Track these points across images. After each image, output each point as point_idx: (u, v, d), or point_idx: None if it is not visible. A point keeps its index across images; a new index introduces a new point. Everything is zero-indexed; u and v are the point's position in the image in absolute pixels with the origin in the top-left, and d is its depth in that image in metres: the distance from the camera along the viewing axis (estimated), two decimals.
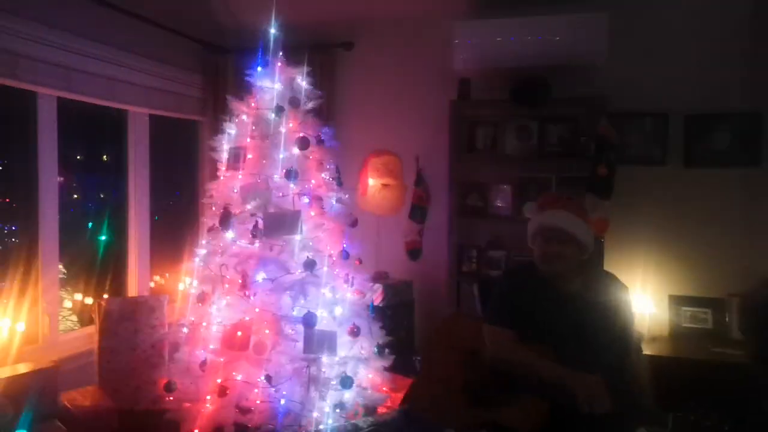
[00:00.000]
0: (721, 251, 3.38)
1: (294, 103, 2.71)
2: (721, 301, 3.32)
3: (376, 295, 3.34)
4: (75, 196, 3.67)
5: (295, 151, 2.64)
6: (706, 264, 3.41)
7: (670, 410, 1.84)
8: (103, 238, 3.64)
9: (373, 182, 3.72)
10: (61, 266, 3.49)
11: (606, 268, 2.97)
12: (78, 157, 3.61)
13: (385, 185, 3.66)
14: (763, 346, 1.36)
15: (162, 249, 3.68)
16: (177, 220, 4.00)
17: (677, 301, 3.41)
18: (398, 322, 3.48)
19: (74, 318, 3.55)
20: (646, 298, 3.37)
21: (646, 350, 2.94)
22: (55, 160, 2.91)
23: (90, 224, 3.75)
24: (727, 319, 3.30)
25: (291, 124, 2.69)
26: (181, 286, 3.24)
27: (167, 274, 3.75)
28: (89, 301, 3.27)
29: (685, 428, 1.73)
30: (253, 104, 2.73)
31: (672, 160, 3.49)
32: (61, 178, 3.08)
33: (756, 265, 3.25)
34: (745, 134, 3.36)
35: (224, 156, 2.72)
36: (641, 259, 3.42)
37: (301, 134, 2.64)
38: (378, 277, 3.59)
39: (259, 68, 2.74)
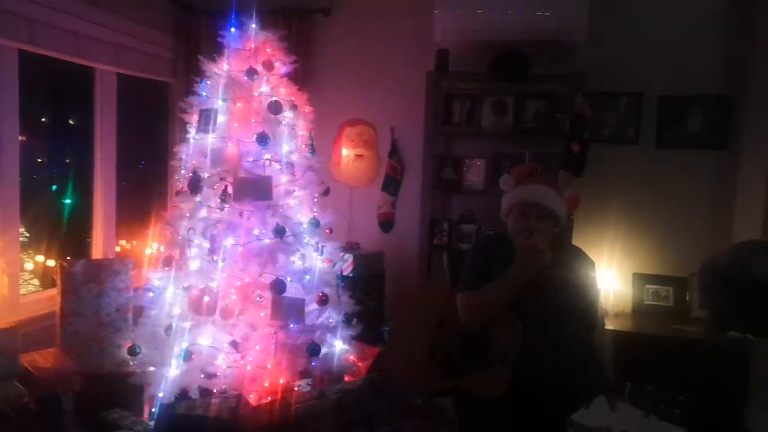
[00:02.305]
0: (687, 232, 3.45)
1: (267, 66, 2.65)
2: (683, 280, 3.40)
3: (346, 265, 3.33)
4: (39, 160, 3.56)
5: (268, 115, 2.58)
6: (671, 244, 3.48)
7: (629, 381, 1.88)
8: (68, 201, 3.55)
9: (346, 152, 3.69)
10: (22, 229, 3.40)
11: (574, 243, 3.00)
12: (42, 119, 3.50)
13: (359, 155, 3.65)
14: (721, 313, 1.39)
15: (129, 215, 3.60)
16: (145, 185, 3.92)
17: (641, 278, 3.48)
18: (368, 293, 3.49)
19: (36, 282, 3.48)
20: (611, 275, 3.44)
21: (609, 325, 3.00)
22: (16, 116, 2.80)
23: (54, 187, 3.65)
24: (687, 297, 3.39)
25: (264, 88, 2.63)
26: (147, 252, 3.19)
27: (134, 241, 3.68)
28: (52, 263, 3.19)
29: (641, 397, 1.77)
30: (225, 66, 2.66)
31: (644, 140, 3.53)
32: (23, 138, 2.98)
33: (719, 247, 3.33)
34: (715, 117, 3.41)
35: (194, 118, 2.66)
36: (609, 237, 3.48)
37: (274, 98, 2.58)
38: (349, 247, 3.58)
39: (232, 29, 2.67)
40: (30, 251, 3.51)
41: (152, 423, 2.23)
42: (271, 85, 2.67)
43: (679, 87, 3.45)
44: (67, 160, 3.70)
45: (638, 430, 1.85)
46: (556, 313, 2.03)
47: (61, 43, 2.90)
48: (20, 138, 2.90)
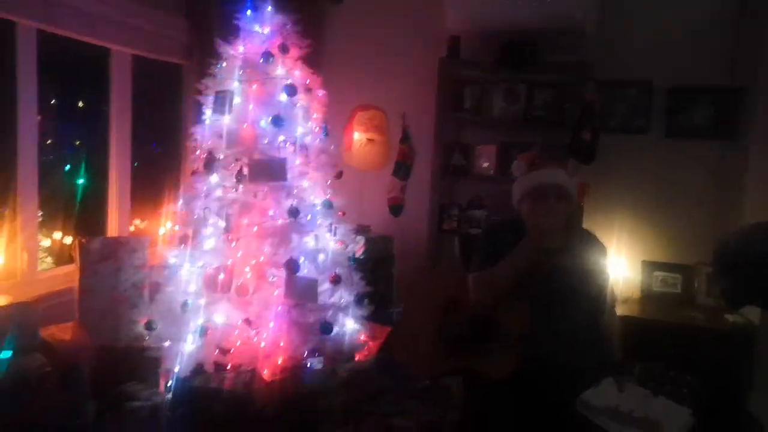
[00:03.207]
0: (694, 221, 3.48)
1: (283, 49, 2.67)
2: (690, 268, 3.44)
3: (358, 247, 3.37)
4: (48, 141, 3.60)
5: (283, 97, 2.61)
6: (678, 232, 3.52)
7: (638, 362, 1.92)
8: (83, 181, 3.59)
9: (358, 137, 3.72)
10: (40, 208, 3.44)
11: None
12: (59, 101, 3.53)
13: (370, 140, 3.67)
14: (733, 289, 1.42)
15: (143, 195, 3.63)
16: (159, 166, 3.95)
17: (649, 266, 3.52)
18: (378, 276, 3.52)
19: (50, 260, 3.53)
20: (621, 262, 3.47)
21: (618, 311, 3.04)
22: (35, 97, 2.84)
23: (69, 167, 3.69)
24: (695, 285, 3.42)
25: (279, 71, 2.66)
26: (161, 231, 3.24)
27: (147, 221, 3.72)
28: (68, 241, 3.24)
29: (650, 377, 1.81)
30: (241, 49, 2.69)
31: (653, 129, 3.55)
32: (39, 117, 3.01)
33: None
34: (726, 109, 3.42)
35: (210, 100, 2.69)
36: (618, 225, 3.51)
37: (289, 81, 2.61)
38: (360, 230, 3.62)
39: (248, 12, 2.70)
40: (45, 229, 3.56)
41: (169, 395, 2.28)
42: (286, 68, 2.69)
43: (689, 77, 3.46)
44: (83, 141, 3.73)
45: (646, 409, 1.89)
46: (565, 295, 2.07)
47: (77, 22, 2.93)
48: (37, 117, 2.94)
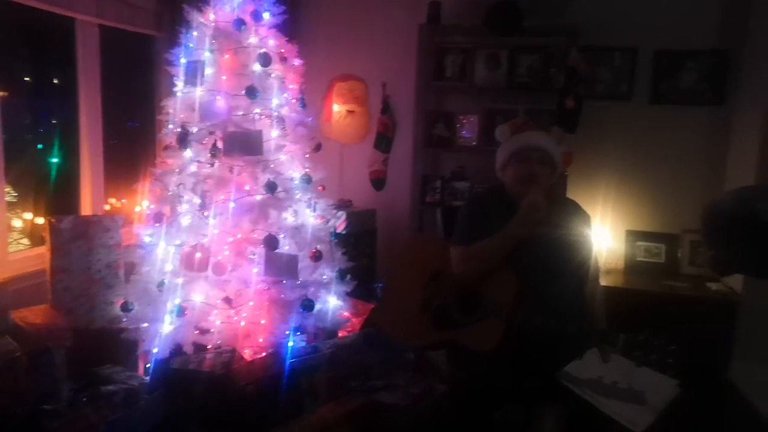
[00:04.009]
0: (679, 188, 3.46)
1: (256, 16, 2.56)
2: (674, 236, 3.43)
3: (339, 222, 3.31)
4: (23, 118, 3.47)
5: (257, 67, 2.51)
6: (663, 200, 3.49)
7: (622, 332, 1.89)
8: (55, 160, 3.48)
9: (338, 108, 3.63)
10: (11, 189, 3.33)
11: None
12: (24, 77, 3.40)
13: (350, 112, 3.58)
14: (724, 254, 1.38)
15: (117, 172, 3.53)
16: (133, 142, 3.84)
17: (633, 235, 3.50)
18: (360, 250, 3.48)
19: (26, 241, 3.44)
20: (604, 232, 3.45)
21: (602, 281, 3.02)
22: None
23: (41, 146, 3.58)
24: (679, 254, 3.42)
25: (252, 39, 2.56)
26: (138, 209, 3.15)
27: (124, 200, 3.63)
28: (41, 221, 3.14)
29: (635, 347, 1.79)
30: (212, 16, 2.57)
31: (638, 96, 3.50)
32: (4, 93, 2.89)
33: None
34: (711, 72, 3.37)
35: (181, 71, 2.58)
36: (602, 194, 3.48)
37: (263, 50, 2.51)
38: (341, 204, 3.56)
39: None
40: (18, 210, 3.46)
41: (147, 378, 2.23)
42: (260, 37, 2.59)
43: (675, 41, 3.39)
44: (52, 118, 3.61)
45: (630, 380, 1.87)
46: (550, 266, 2.03)
47: None
48: (1, 94, 2.81)
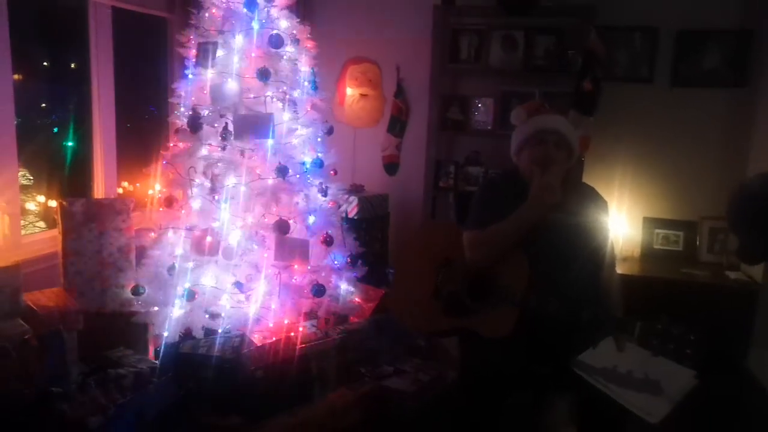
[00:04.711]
0: (699, 174, 3.37)
1: None
2: (693, 224, 3.35)
3: (351, 208, 3.28)
4: (38, 102, 3.47)
5: (269, 49, 2.48)
6: (682, 187, 3.41)
7: (638, 320, 1.85)
8: (69, 143, 3.49)
9: (351, 92, 3.58)
10: (27, 172, 3.34)
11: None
12: (38, 61, 3.40)
13: (363, 95, 3.54)
14: (752, 240, 1.32)
15: (130, 156, 3.54)
16: (146, 126, 3.84)
17: (651, 223, 3.43)
18: (373, 235, 3.45)
19: (42, 224, 3.47)
20: (621, 219, 3.38)
21: (618, 269, 2.97)
22: (8, 53, 2.69)
23: (56, 129, 3.59)
24: (697, 242, 3.34)
25: (264, 21, 2.52)
26: (150, 193, 3.14)
27: (137, 183, 3.64)
28: (54, 204, 3.16)
29: (652, 336, 1.74)
30: None
31: (659, 78, 3.40)
32: (20, 77, 2.88)
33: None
34: (734, 53, 3.27)
35: (193, 53, 2.56)
36: (619, 180, 3.40)
37: (275, 31, 2.47)
38: (354, 189, 3.52)
39: None
40: (33, 193, 3.49)
41: (157, 362, 2.23)
42: (272, 18, 2.55)
43: (697, 21, 3.29)
44: (66, 101, 3.62)
45: (646, 370, 1.83)
46: (565, 252, 1.98)
47: None
48: (16, 77, 2.80)
